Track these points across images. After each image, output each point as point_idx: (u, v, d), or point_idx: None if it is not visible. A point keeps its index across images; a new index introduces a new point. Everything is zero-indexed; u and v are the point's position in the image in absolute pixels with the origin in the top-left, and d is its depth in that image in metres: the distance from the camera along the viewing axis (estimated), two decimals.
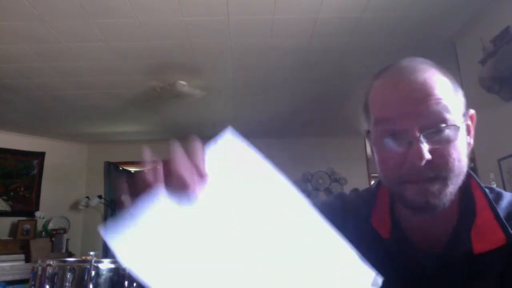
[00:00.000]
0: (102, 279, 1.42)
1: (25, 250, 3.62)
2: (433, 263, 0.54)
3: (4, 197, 4.01)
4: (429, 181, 0.50)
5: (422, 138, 0.49)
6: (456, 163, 0.51)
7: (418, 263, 0.55)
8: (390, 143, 0.53)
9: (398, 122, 0.51)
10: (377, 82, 0.57)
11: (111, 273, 1.44)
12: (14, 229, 4.01)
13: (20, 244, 3.73)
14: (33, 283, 1.47)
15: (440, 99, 0.50)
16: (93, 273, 1.40)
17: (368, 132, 0.58)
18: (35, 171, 4.27)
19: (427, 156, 0.48)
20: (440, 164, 0.50)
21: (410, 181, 0.51)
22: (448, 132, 0.50)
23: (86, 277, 1.39)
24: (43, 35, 2.27)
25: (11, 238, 3.88)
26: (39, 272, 1.46)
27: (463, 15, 2.21)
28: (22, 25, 2.16)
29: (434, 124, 0.50)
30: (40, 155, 4.25)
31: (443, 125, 0.50)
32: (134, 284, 1.46)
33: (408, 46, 2.49)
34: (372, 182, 0.64)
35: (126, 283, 1.44)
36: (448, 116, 0.50)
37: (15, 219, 4.04)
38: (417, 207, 0.52)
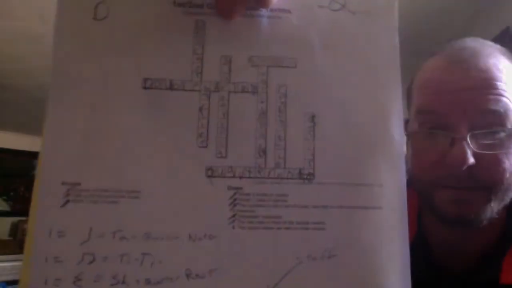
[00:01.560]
0: None
1: None
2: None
3: (4, 197, 4.01)
4: (468, 191, 0.42)
5: (469, 138, 0.40)
6: (507, 175, 0.41)
7: (435, 283, 0.47)
8: (429, 137, 0.44)
9: (444, 114, 0.42)
10: (427, 63, 0.48)
11: None
12: (14, 229, 4.01)
13: (20, 244, 3.73)
14: None
15: (502, 95, 0.41)
16: None
17: (407, 121, 0.49)
18: (35, 171, 4.26)
19: (471, 160, 0.40)
20: (486, 173, 0.41)
21: (445, 186, 0.43)
22: (503, 136, 0.41)
23: None
24: (43, 35, 2.27)
25: (11, 238, 3.89)
26: None
27: (463, 15, 2.20)
28: (22, 25, 2.16)
29: (487, 124, 0.41)
30: None
31: (500, 127, 0.41)
32: None
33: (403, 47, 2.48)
34: None
35: None
36: (508, 116, 0.41)
37: (15, 219, 4.04)
38: (448, 219, 0.44)
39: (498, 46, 0.46)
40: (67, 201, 0.28)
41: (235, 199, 0.29)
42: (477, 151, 0.41)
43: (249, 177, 0.30)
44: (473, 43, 0.46)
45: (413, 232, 0.49)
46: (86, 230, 0.28)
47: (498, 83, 0.41)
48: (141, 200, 0.28)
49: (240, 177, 0.30)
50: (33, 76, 2.87)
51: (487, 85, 0.41)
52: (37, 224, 0.27)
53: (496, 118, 0.41)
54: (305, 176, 0.30)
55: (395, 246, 0.29)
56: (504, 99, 0.41)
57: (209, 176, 0.30)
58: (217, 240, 0.28)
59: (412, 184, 0.49)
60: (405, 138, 0.41)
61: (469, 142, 0.40)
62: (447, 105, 0.42)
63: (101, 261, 0.27)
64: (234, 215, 0.29)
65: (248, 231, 0.29)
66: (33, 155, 4.52)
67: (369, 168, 0.30)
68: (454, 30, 2.38)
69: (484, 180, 0.41)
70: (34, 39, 2.32)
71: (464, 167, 0.40)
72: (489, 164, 0.41)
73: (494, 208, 0.42)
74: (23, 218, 4.05)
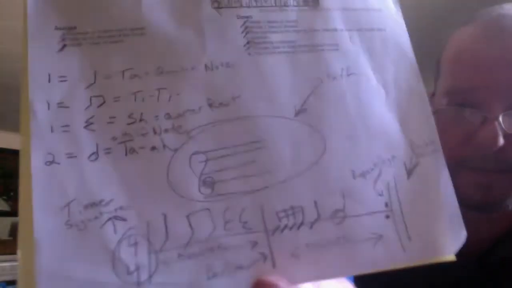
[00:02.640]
0: None
1: None
2: (465, 272, 0.43)
3: (4, 197, 3.91)
4: (494, 174, 0.39)
5: (501, 118, 0.37)
6: None
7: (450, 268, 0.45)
8: (458, 114, 0.40)
9: (476, 92, 0.39)
10: (460, 33, 0.43)
11: None
12: (14, 229, 3.91)
13: None
14: None
15: None
16: None
17: (433, 94, 0.45)
18: None
19: (501, 142, 0.37)
20: None
21: (470, 167, 0.40)
22: None
23: None
24: None
25: (11, 238, 3.80)
26: None
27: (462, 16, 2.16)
28: (22, 25, 2.05)
29: None
30: None
31: None
32: None
33: None
34: None
35: None
36: None
37: (15, 219, 3.93)
38: (470, 203, 0.40)
39: None
40: (64, 45, 0.25)
41: (246, 27, 0.27)
42: (509, 132, 0.38)
43: (256, 6, 0.28)
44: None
45: None
46: (91, 73, 0.25)
47: None
48: (147, 36, 0.26)
49: (248, 6, 0.28)
50: None
51: None
52: (32, 71, 0.24)
53: None
54: (310, 3, 0.29)
55: (404, 62, 0.29)
56: None
57: (215, 8, 0.27)
58: (235, 68, 0.26)
59: None
60: None
61: (501, 122, 0.37)
62: (481, 83, 0.38)
63: (112, 102, 0.25)
64: (248, 42, 0.27)
65: (265, 56, 0.27)
66: None
67: None
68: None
69: None
70: None
71: (494, 149, 0.37)
72: None
73: None
74: None
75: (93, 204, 0.23)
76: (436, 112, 0.43)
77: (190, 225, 0.24)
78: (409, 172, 0.27)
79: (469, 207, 0.40)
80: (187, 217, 0.24)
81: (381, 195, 0.26)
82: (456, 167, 0.39)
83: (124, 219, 0.23)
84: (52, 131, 0.24)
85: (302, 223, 0.25)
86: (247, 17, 0.27)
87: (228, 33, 0.27)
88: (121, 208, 0.23)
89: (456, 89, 0.41)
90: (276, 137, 0.26)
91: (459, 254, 0.44)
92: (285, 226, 0.25)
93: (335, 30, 0.29)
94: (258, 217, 0.25)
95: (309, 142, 0.26)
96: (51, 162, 0.23)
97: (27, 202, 0.23)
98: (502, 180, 0.39)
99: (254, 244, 0.24)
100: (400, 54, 0.29)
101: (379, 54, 0.29)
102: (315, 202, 0.25)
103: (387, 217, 0.26)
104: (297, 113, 0.27)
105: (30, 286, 0.21)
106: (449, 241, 0.26)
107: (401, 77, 0.29)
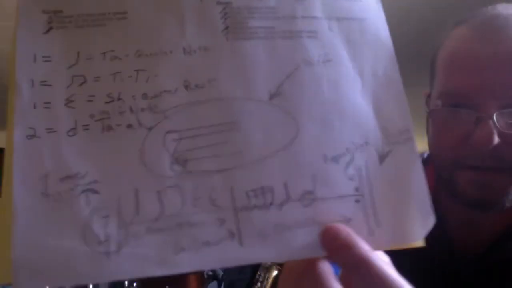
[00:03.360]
0: None
1: None
2: (466, 270, 0.44)
3: None
4: (491, 172, 0.40)
5: (495, 117, 0.38)
6: None
7: (450, 268, 0.44)
8: (452, 115, 0.41)
9: (470, 93, 0.39)
10: (454, 33, 0.43)
11: None
12: None
13: None
14: None
15: None
16: None
17: (428, 95, 0.46)
18: None
19: (496, 140, 0.38)
20: (511, 153, 0.39)
21: (467, 167, 0.40)
22: None
23: None
24: None
25: None
26: None
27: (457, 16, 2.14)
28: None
29: None
30: None
31: None
32: (134, 284, 1.51)
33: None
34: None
35: (126, 282, 1.48)
36: None
37: None
38: (468, 202, 0.41)
39: None
40: (50, 28, 0.27)
41: (226, 13, 0.28)
42: (504, 130, 0.38)
43: None
44: (506, 10, 0.41)
45: None
46: (74, 54, 0.26)
47: None
48: (129, 20, 0.27)
49: None
50: None
51: None
52: (19, 51, 0.26)
53: None
54: None
55: (381, 52, 0.30)
56: None
57: None
58: (213, 52, 0.27)
59: (431, 162, 0.47)
60: None
61: (496, 121, 0.38)
62: (474, 84, 0.39)
63: (92, 82, 0.26)
64: (227, 27, 0.28)
65: (242, 41, 0.28)
66: None
67: None
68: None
69: (510, 160, 0.39)
70: None
71: (489, 147, 0.38)
72: None
73: None
74: None
75: (68, 177, 0.24)
76: (431, 113, 0.44)
77: (160, 200, 0.25)
78: (382, 159, 0.27)
79: (468, 205, 0.42)
80: (158, 192, 0.25)
81: (352, 179, 0.27)
82: (453, 166, 0.41)
83: (97, 192, 0.24)
84: (34, 107, 0.25)
85: (271, 203, 0.26)
86: (227, 3, 0.28)
87: (207, 18, 0.28)
88: (95, 181, 0.25)
89: (450, 90, 0.42)
90: (249, 119, 0.27)
91: (460, 253, 0.44)
92: (254, 206, 0.25)
93: (315, 17, 0.29)
94: (227, 196, 0.25)
95: (282, 125, 0.27)
96: (32, 136, 0.25)
97: (10, 175, 0.24)
98: (499, 178, 0.40)
99: (222, 221, 0.25)
100: (378, 43, 0.30)
101: (357, 43, 0.29)
102: (285, 184, 0.26)
103: (357, 201, 0.26)
104: (272, 97, 0.27)
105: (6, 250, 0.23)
106: (417, 228, 0.26)
107: (378, 66, 0.29)
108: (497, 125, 0.38)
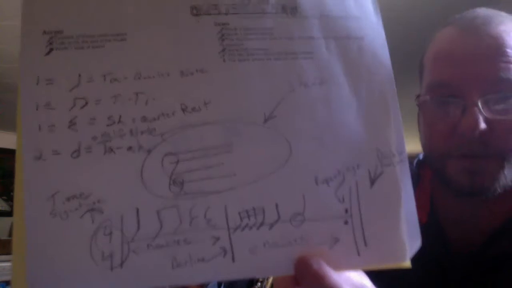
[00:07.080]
0: None
1: None
2: (462, 267, 0.44)
3: (4, 197, 4.04)
4: (480, 159, 0.41)
5: (480, 104, 0.40)
6: None
7: (445, 264, 0.45)
8: (440, 108, 0.43)
9: (455, 86, 0.41)
10: (438, 35, 0.47)
11: None
12: None
13: None
14: None
15: None
16: None
17: (418, 96, 0.48)
18: None
19: (482, 125, 0.39)
20: (499, 139, 0.40)
21: (456, 155, 0.42)
22: None
23: None
24: None
25: (11, 238, 3.98)
26: None
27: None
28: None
29: (499, 89, 0.40)
30: None
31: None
32: None
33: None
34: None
35: None
36: None
37: None
38: (461, 190, 0.42)
39: (510, 16, 0.45)
40: (51, 50, 0.27)
41: (223, 34, 0.28)
42: (490, 117, 0.40)
43: (234, 13, 0.29)
44: (485, 12, 0.45)
45: (426, 211, 0.48)
46: (75, 76, 0.27)
47: (510, 50, 0.40)
48: (128, 42, 0.28)
49: (226, 13, 0.29)
50: None
51: (498, 52, 0.40)
52: (22, 74, 0.27)
53: (509, 85, 0.40)
54: (288, 11, 0.29)
55: (379, 71, 0.30)
56: None
57: (194, 15, 0.28)
58: (210, 74, 0.28)
59: (426, 161, 0.48)
60: None
61: (481, 108, 0.40)
62: (458, 76, 0.41)
63: (94, 104, 0.27)
64: (223, 49, 0.28)
65: (239, 63, 0.28)
66: None
67: (349, 2, 0.30)
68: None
69: (497, 146, 0.40)
70: None
71: (476, 132, 0.39)
72: (502, 130, 0.40)
73: (508, 175, 0.41)
74: None
75: (74, 197, 0.26)
76: (420, 107, 0.47)
77: (159, 219, 0.27)
78: (373, 181, 0.28)
79: (461, 194, 0.43)
80: (157, 212, 0.27)
81: (341, 201, 0.28)
82: (444, 158, 0.43)
83: (101, 211, 0.26)
84: (40, 130, 0.27)
85: (262, 223, 0.27)
86: (224, 24, 0.28)
87: (204, 40, 0.28)
88: (98, 201, 0.26)
89: (436, 83, 0.44)
90: (243, 141, 0.28)
91: (457, 249, 0.45)
92: (246, 225, 0.27)
93: (312, 38, 0.29)
94: (222, 215, 0.27)
95: (275, 147, 0.28)
96: (39, 158, 0.26)
97: (21, 193, 0.26)
98: (489, 164, 0.41)
99: (216, 239, 0.27)
100: (376, 63, 0.30)
101: (354, 62, 0.29)
102: (277, 205, 0.27)
103: (346, 222, 0.28)
104: (266, 120, 0.28)
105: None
106: (404, 249, 0.28)
107: (375, 87, 0.29)
108: (483, 112, 0.40)
